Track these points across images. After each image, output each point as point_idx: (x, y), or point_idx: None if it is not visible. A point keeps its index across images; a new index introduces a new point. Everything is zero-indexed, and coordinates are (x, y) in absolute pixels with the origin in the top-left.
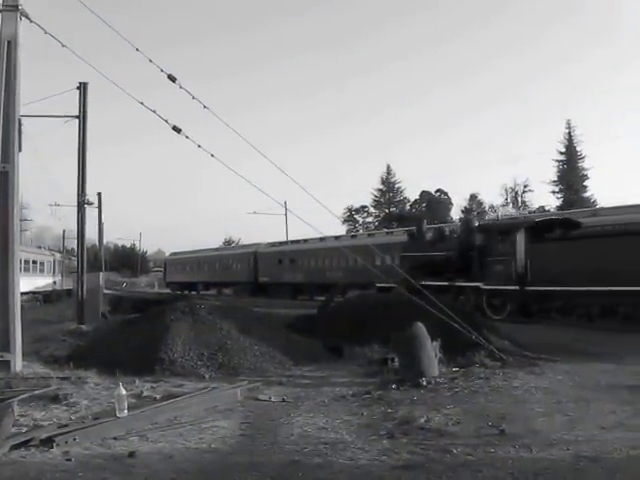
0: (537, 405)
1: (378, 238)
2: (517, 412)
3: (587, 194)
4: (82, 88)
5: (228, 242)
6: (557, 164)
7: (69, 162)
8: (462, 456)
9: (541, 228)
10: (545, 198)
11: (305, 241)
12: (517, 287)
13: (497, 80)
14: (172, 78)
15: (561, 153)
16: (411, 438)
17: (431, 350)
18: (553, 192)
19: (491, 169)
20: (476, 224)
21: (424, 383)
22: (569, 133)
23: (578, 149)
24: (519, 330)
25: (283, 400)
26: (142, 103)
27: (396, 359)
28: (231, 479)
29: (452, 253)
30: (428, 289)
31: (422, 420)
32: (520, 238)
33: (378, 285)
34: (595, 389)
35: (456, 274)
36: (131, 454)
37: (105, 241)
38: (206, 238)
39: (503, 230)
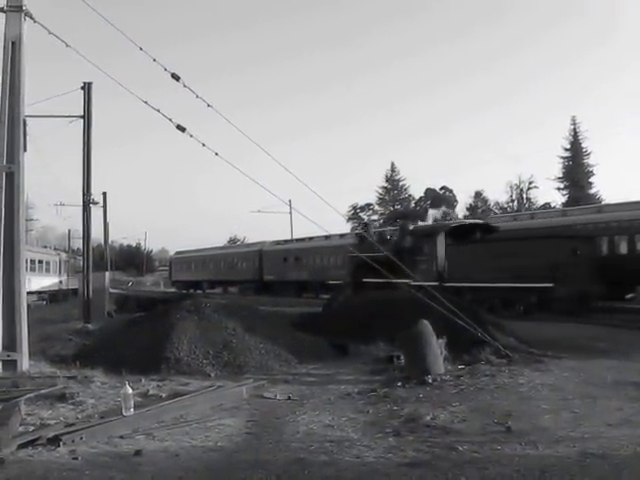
0: (543, 402)
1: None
2: (523, 409)
3: (592, 190)
4: (86, 88)
5: (233, 241)
6: (562, 160)
7: (74, 162)
8: (468, 453)
9: (458, 232)
10: (550, 195)
11: (310, 239)
12: (437, 283)
13: (502, 78)
14: (176, 77)
15: (566, 150)
16: (417, 435)
17: (436, 348)
18: (558, 189)
19: (496, 166)
20: (410, 228)
21: (430, 380)
22: (574, 129)
23: (583, 145)
24: (524, 327)
25: (289, 398)
26: (146, 102)
27: (402, 357)
28: (237, 477)
29: (390, 254)
30: (369, 286)
31: (428, 417)
32: (440, 241)
33: (331, 282)
34: (601, 386)
35: (391, 273)
36: (137, 452)
37: (110, 240)
38: (211, 237)
39: (427, 234)
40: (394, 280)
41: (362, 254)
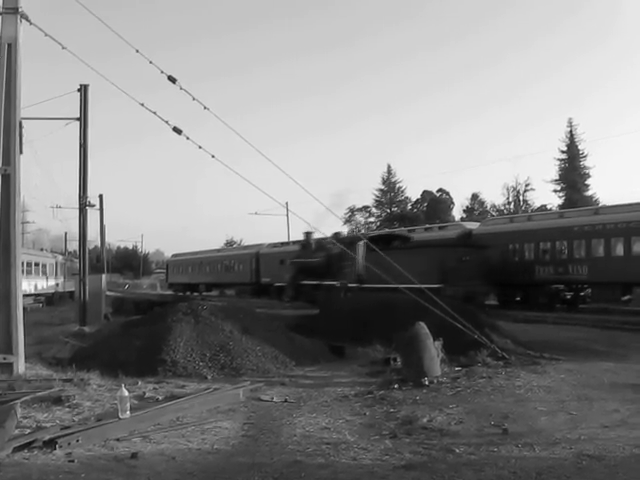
0: (540, 404)
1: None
2: (520, 411)
3: (589, 193)
4: (83, 90)
5: (230, 243)
6: (559, 163)
7: (70, 164)
8: (465, 455)
9: (375, 241)
10: (547, 197)
11: None
12: (357, 285)
13: (498, 80)
14: (172, 79)
15: (562, 152)
16: (413, 438)
17: (433, 350)
18: (555, 191)
19: (493, 168)
20: (342, 237)
21: (426, 383)
22: (570, 132)
23: (580, 147)
24: (521, 329)
25: (285, 400)
26: (142, 104)
27: (398, 359)
28: None
29: (323, 259)
30: (306, 287)
31: (425, 420)
32: (360, 248)
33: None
34: (598, 388)
35: (324, 275)
36: (134, 455)
37: (107, 243)
38: (208, 239)
39: (352, 242)
40: (326, 282)
41: (302, 259)
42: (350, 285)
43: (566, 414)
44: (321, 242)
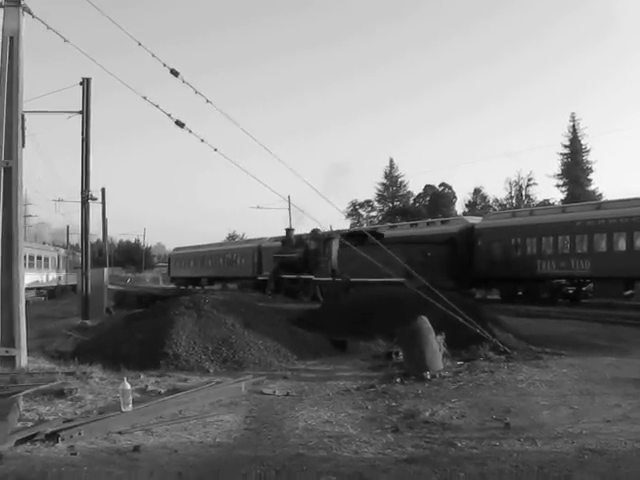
0: (542, 398)
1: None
2: (522, 405)
3: (592, 187)
4: (85, 83)
5: (232, 237)
6: (561, 157)
7: (73, 158)
8: (467, 449)
9: (348, 238)
10: (550, 191)
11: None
12: (331, 278)
13: (501, 74)
14: (175, 72)
15: (565, 146)
16: (416, 432)
17: (435, 344)
18: (557, 186)
19: (495, 163)
20: (319, 234)
21: (428, 377)
22: (573, 126)
23: (583, 142)
24: (524, 323)
25: (287, 394)
26: (145, 98)
27: (400, 353)
28: (236, 473)
29: (301, 255)
30: (285, 280)
31: (427, 414)
32: (335, 245)
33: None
34: (600, 382)
35: (302, 270)
36: (136, 448)
37: (109, 237)
38: (210, 233)
39: (327, 239)
40: (303, 276)
41: (283, 255)
42: (353, 280)
43: (568, 408)
44: (300, 238)
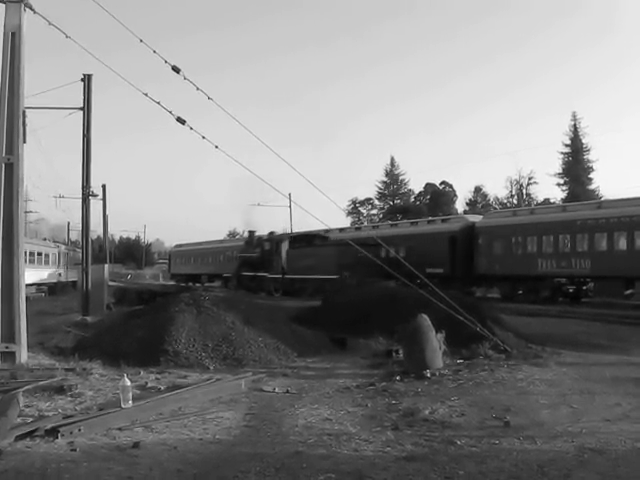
0: (541, 397)
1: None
2: (521, 404)
3: (592, 186)
4: (86, 80)
5: (233, 234)
6: (562, 156)
7: (73, 154)
8: (466, 448)
9: (296, 240)
10: (550, 190)
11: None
12: (281, 276)
13: (502, 74)
14: (176, 69)
15: (566, 145)
16: (415, 429)
17: (435, 342)
18: (558, 184)
19: (496, 162)
20: (274, 236)
21: (428, 375)
22: (574, 125)
23: (584, 141)
24: (524, 322)
25: (287, 391)
26: (146, 94)
27: (400, 351)
28: (235, 470)
29: (259, 254)
30: (245, 277)
31: (426, 412)
32: (285, 245)
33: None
34: (600, 381)
35: (259, 267)
36: (135, 445)
37: (109, 233)
38: (211, 229)
39: (279, 240)
40: (260, 274)
41: (245, 254)
42: (275, 277)
43: (568, 407)
44: (260, 239)
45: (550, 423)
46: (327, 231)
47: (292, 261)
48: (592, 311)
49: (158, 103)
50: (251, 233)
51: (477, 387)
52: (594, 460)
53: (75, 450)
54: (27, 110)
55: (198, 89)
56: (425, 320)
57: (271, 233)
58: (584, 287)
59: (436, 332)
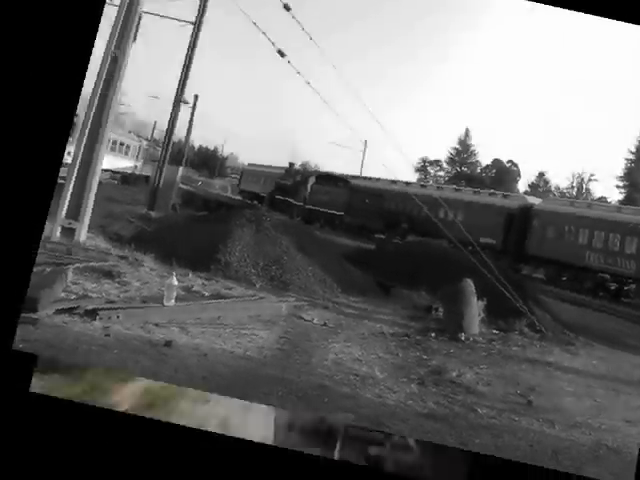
0: (567, 384)
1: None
2: (547, 386)
3: None
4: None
5: (303, 164)
6: (626, 162)
7: (175, 64)
8: (486, 418)
9: (322, 177)
10: (609, 191)
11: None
12: (302, 204)
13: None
14: (287, 7)
15: (632, 153)
16: (440, 389)
17: (476, 308)
18: (617, 187)
19: (563, 152)
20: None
21: (462, 338)
22: None
23: None
24: (563, 308)
25: (325, 324)
26: (255, 23)
27: (440, 309)
28: (259, 389)
29: (292, 182)
30: (277, 200)
31: (454, 374)
32: (311, 180)
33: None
34: (627, 382)
35: (289, 194)
36: (168, 343)
37: (191, 139)
38: (284, 157)
39: (309, 175)
40: (288, 199)
41: (281, 181)
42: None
43: (591, 400)
44: (296, 171)
45: (571, 411)
46: (394, 182)
47: (314, 194)
48: (634, 312)
49: (264, 33)
50: (291, 164)
51: (507, 360)
52: (609, 458)
53: (109, 335)
54: (143, 14)
55: (303, 29)
56: (470, 285)
57: (291, 164)
58: (625, 287)
59: (478, 299)
